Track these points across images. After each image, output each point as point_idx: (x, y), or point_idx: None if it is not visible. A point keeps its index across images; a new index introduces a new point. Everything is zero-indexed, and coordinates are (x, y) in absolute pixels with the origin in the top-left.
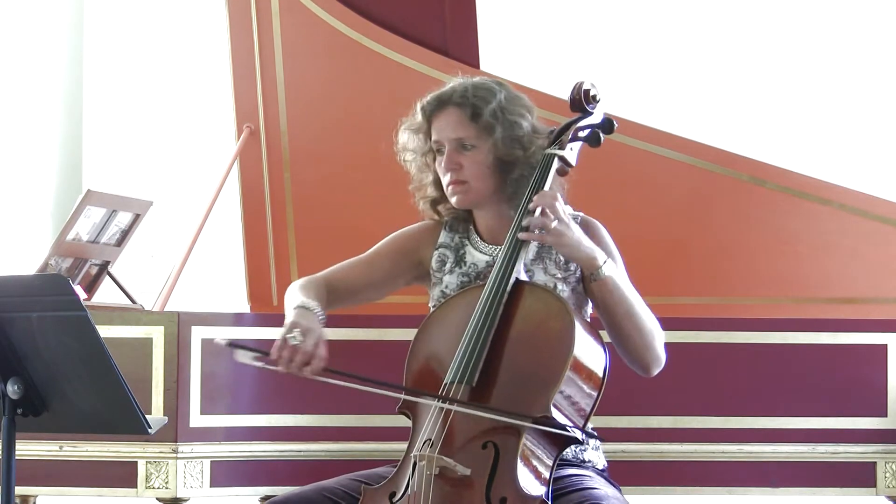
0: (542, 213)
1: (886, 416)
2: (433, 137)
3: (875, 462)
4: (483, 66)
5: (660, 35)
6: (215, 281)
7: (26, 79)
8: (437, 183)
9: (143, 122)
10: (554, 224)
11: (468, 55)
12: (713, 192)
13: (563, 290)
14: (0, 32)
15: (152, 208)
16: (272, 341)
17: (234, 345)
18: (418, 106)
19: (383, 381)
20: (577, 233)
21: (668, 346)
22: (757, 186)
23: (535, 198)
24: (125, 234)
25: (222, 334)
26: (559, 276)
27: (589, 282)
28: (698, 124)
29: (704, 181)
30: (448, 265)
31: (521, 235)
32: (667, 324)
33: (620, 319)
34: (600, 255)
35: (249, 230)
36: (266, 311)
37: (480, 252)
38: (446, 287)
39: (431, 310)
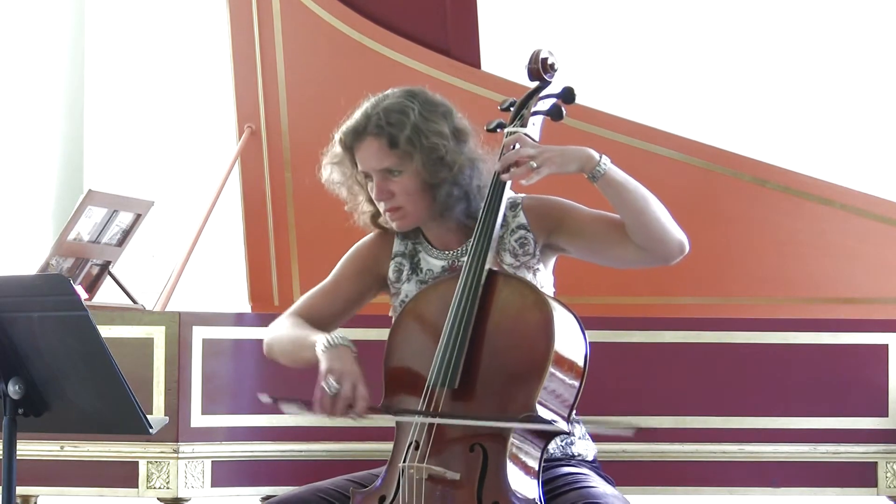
0: (515, 151)
1: (887, 416)
2: (359, 167)
3: (876, 462)
4: (484, 66)
5: (661, 35)
6: (216, 281)
7: (27, 79)
8: (371, 199)
9: (144, 122)
10: (531, 152)
11: (469, 55)
12: (714, 192)
13: (525, 276)
14: (1, 33)
15: (153, 208)
16: None
17: (278, 399)
18: (336, 138)
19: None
20: (555, 147)
21: (668, 346)
22: (758, 186)
23: (505, 141)
24: (126, 234)
25: (223, 335)
26: (517, 263)
27: (565, 230)
28: (700, 124)
29: (705, 181)
30: (405, 273)
31: (505, 176)
32: (667, 324)
33: (641, 207)
34: (593, 152)
35: (250, 230)
36: (267, 311)
37: (435, 258)
38: (406, 296)
39: (393, 319)
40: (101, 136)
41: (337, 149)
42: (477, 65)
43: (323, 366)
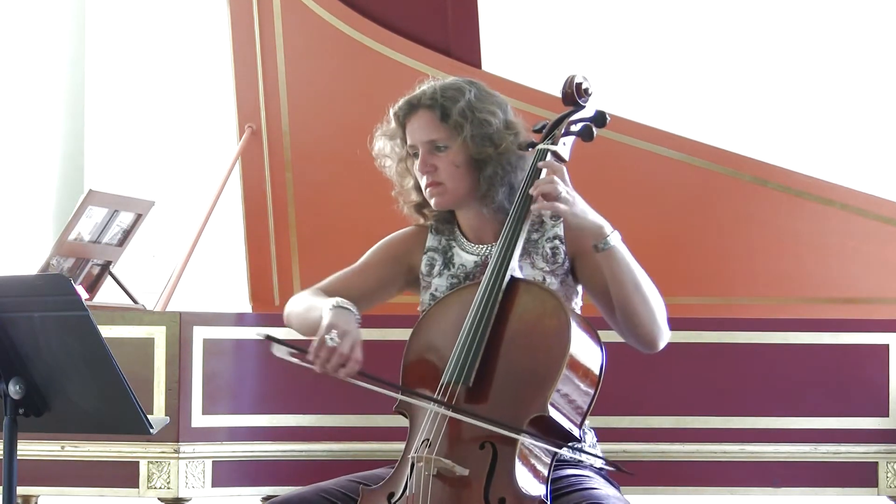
0: (551, 180)
1: (888, 416)
2: (408, 142)
3: (877, 462)
4: (485, 66)
5: (662, 34)
6: (217, 281)
7: (28, 78)
8: (419, 187)
9: (144, 121)
10: (563, 192)
11: (470, 55)
12: (714, 192)
13: (552, 283)
14: (2, 32)
15: (154, 208)
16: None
17: (272, 339)
18: (391, 112)
19: (409, 388)
20: (583, 202)
21: (668, 345)
22: (759, 186)
23: (539, 164)
24: (127, 234)
25: (224, 335)
26: (547, 269)
27: (584, 264)
28: (700, 124)
29: (706, 181)
30: (437, 268)
31: (535, 207)
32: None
33: (629, 292)
34: (607, 224)
35: (251, 230)
36: (268, 311)
37: (467, 252)
38: (436, 290)
39: (422, 313)
40: (101, 135)
41: (391, 123)
42: (477, 65)
43: (326, 320)
